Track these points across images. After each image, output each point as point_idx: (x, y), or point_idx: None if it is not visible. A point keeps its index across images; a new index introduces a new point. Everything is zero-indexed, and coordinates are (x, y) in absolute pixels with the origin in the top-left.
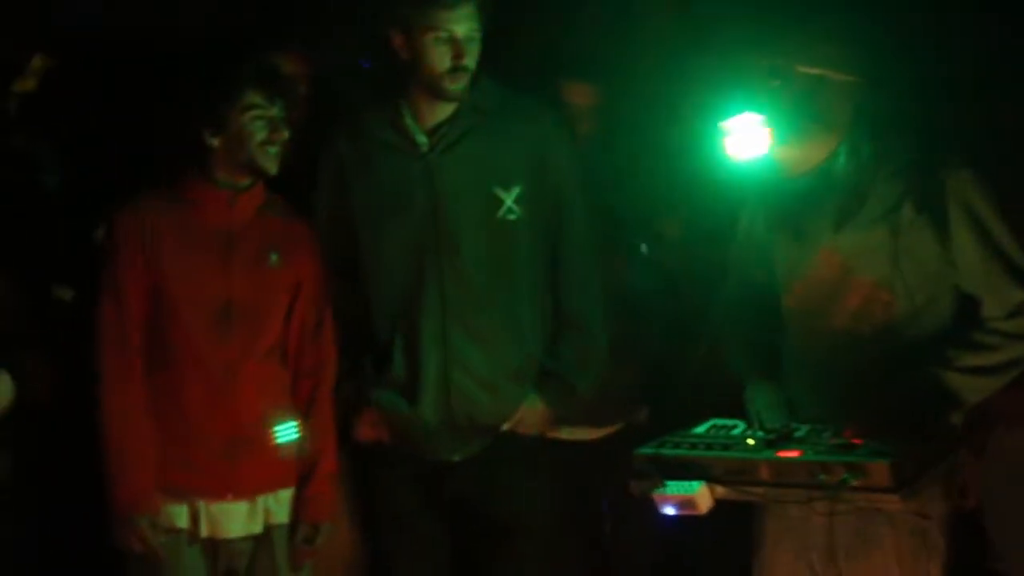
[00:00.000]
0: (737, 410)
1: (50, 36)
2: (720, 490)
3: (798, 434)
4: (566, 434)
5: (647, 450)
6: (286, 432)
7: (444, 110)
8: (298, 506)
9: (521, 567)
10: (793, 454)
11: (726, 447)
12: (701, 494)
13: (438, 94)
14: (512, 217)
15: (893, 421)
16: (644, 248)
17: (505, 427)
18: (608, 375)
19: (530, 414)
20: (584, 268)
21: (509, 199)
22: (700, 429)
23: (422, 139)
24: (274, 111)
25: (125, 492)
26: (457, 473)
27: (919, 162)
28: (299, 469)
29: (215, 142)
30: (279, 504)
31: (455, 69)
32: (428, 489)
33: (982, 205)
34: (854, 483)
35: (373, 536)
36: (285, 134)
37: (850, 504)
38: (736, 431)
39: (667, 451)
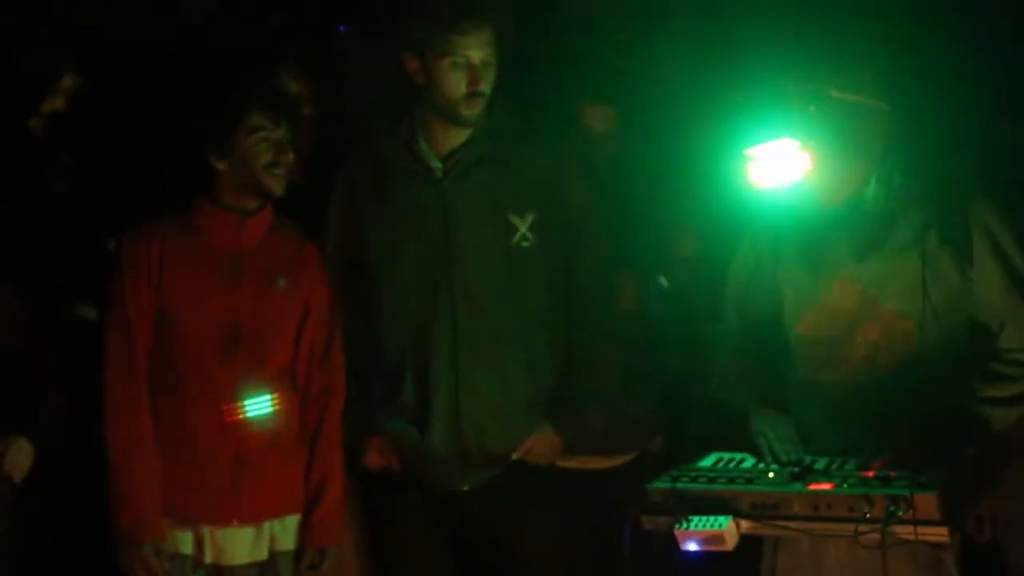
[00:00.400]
0: (736, 443)
1: (78, 55)
2: (745, 524)
3: (818, 466)
4: (578, 463)
5: (662, 484)
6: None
7: (459, 135)
8: (304, 531)
9: None
10: (826, 486)
11: (749, 480)
12: (729, 530)
13: (453, 119)
14: (526, 244)
15: (922, 452)
16: (664, 282)
17: (515, 456)
18: (622, 404)
19: (541, 443)
20: (598, 296)
21: (523, 226)
22: (706, 462)
23: (436, 164)
24: (279, 133)
25: (129, 517)
26: (466, 502)
27: (943, 190)
28: (305, 495)
29: (221, 165)
30: (285, 530)
31: (471, 95)
32: (436, 517)
33: (1004, 234)
34: (902, 515)
35: (380, 563)
36: (291, 156)
37: (893, 538)
38: (746, 464)
39: (686, 485)
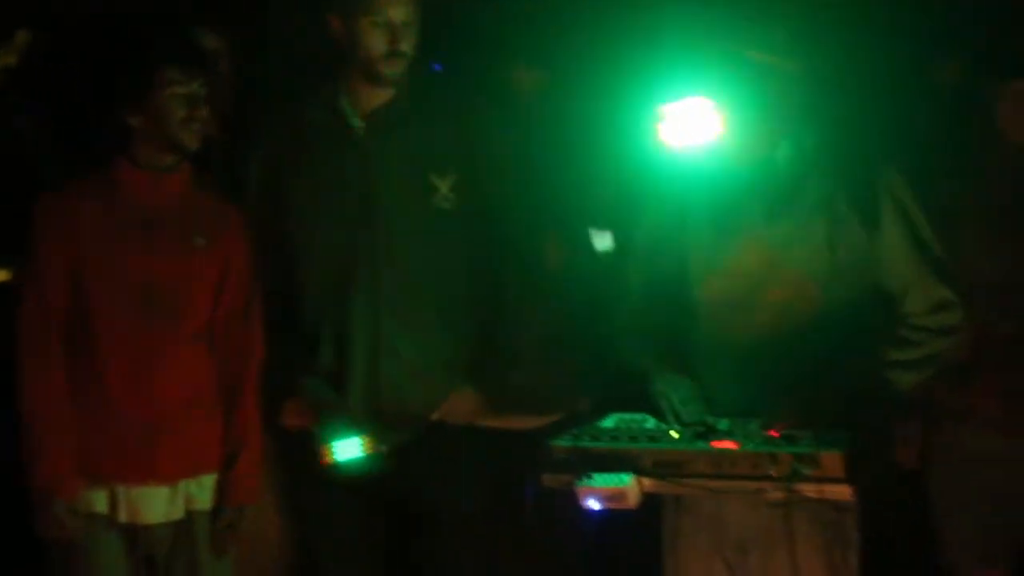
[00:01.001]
0: (634, 405)
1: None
2: (648, 483)
3: (721, 427)
4: (502, 423)
5: (564, 442)
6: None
7: (381, 95)
8: (221, 490)
9: (450, 558)
10: (730, 445)
11: (653, 439)
12: (631, 487)
13: (374, 79)
14: (447, 205)
15: (827, 413)
16: (603, 236)
17: (435, 416)
18: (545, 365)
19: (461, 404)
20: (521, 256)
21: (444, 186)
22: (608, 423)
23: (357, 123)
24: (194, 88)
25: (42, 476)
26: (386, 463)
27: (852, 156)
28: (223, 454)
29: (135, 121)
30: (201, 489)
31: (391, 54)
32: (356, 479)
33: (910, 201)
34: (807, 473)
35: (300, 525)
36: (205, 111)
37: (796, 496)
38: (649, 424)
39: (589, 443)
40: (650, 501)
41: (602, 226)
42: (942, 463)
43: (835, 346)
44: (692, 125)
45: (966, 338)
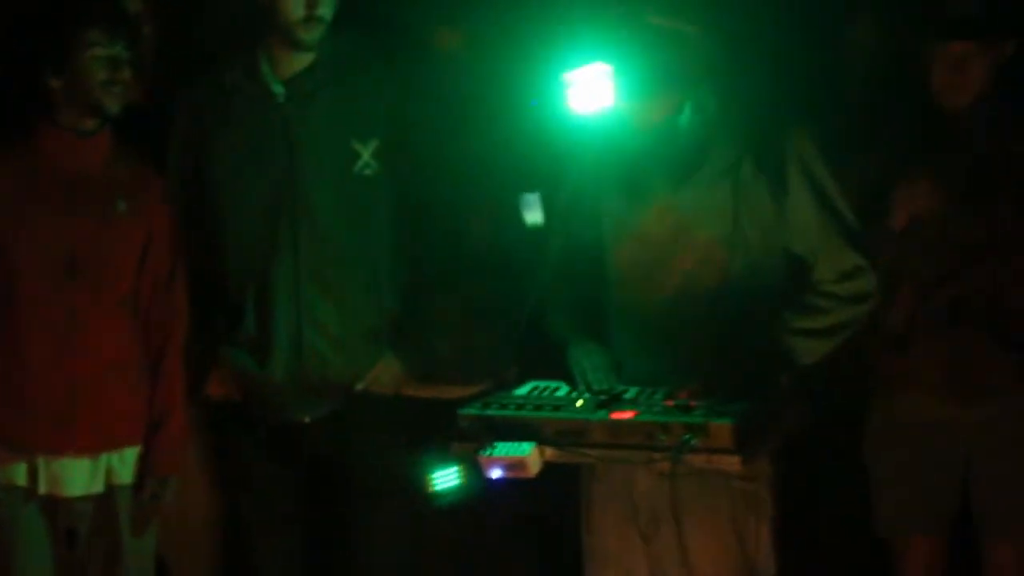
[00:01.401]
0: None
1: None
2: (550, 452)
3: (627, 396)
4: (430, 392)
5: (471, 411)
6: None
7: (302, 60)
8: (144, 461)
9: (377, 530)
10: (628, 415)
11: (556, 408)
12: (532, 456)
13: (292, 43)
14: (369, 172)
15: (728, 383)
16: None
17: (359, 387)
18: (471, 333)
19: (385, 373)
20: (445, 223)
21: (367, 152)
22: (522, 390)
23: (278, 89)
24: (117, 50)
25: None
26: (310, 434)
27: (760, 121)
28: (145, 425)
29: (56, 83)
30: (123, 463)
31: (308, 18)
32: (281, 450)
33: (819, 167)
34: (695, 444)
35: (226, 497)
36: (127, 73)
37: (686, 467)
38: (560, 392)
39: (494, 412)
40: (570, 469)
41: (530, 192)
42: (881, 430)
43: (743, 314)
44: (595, 91)
45: (903, 305)
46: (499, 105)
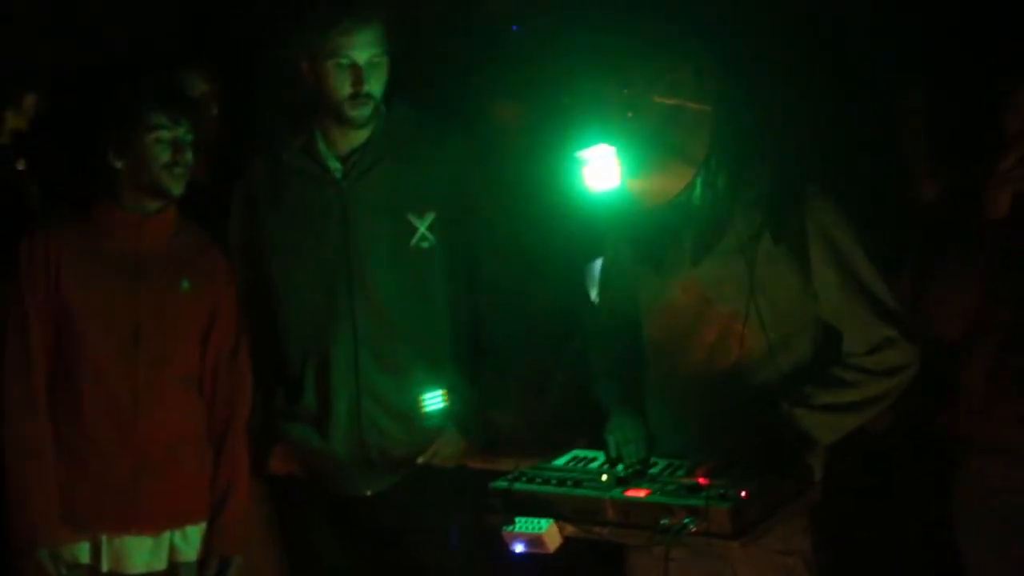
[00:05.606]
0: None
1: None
2: (570, 528)
3: (653, 470)
4: (489, 464)
5: (500, 484)
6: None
7: (357, 137)
8: (207, 539)
9: None
10: (640, 494)
11: (576, 484)
12: (549, 532)
13: (342, 121)
14: (426, 245)
15: (745, 460)
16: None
17: (420, 460)
18: (533, 404)
19: (446, 446)
20: (503, 294)
21: (423, 226)
22: (560, 461)
23: (335, 165)
24: (179, 132)
25: (25, 524)
26: (372, 508)
27: (777, 191)
28: (209, 503)
29: (119, 164)
30: (186, 541)
31: (355, 95)
32: (343, 525)
33: (843, 236)
34: (693, 528)
35: (292, 571)
36: (190, 156)
37: (690, 549)
38: (595, 464)
39: (518, 486)
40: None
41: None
42: (967, 495)
43: (764, 389)
44: (604, 171)
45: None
46: (554, 175)
